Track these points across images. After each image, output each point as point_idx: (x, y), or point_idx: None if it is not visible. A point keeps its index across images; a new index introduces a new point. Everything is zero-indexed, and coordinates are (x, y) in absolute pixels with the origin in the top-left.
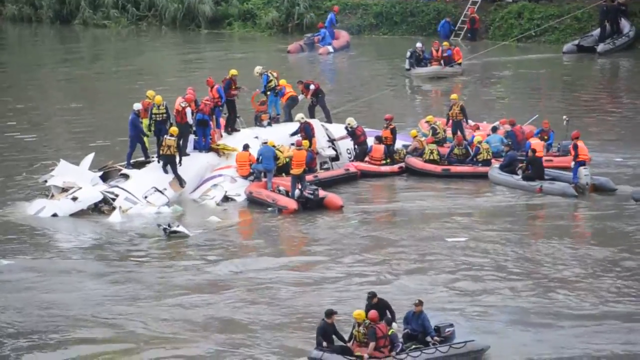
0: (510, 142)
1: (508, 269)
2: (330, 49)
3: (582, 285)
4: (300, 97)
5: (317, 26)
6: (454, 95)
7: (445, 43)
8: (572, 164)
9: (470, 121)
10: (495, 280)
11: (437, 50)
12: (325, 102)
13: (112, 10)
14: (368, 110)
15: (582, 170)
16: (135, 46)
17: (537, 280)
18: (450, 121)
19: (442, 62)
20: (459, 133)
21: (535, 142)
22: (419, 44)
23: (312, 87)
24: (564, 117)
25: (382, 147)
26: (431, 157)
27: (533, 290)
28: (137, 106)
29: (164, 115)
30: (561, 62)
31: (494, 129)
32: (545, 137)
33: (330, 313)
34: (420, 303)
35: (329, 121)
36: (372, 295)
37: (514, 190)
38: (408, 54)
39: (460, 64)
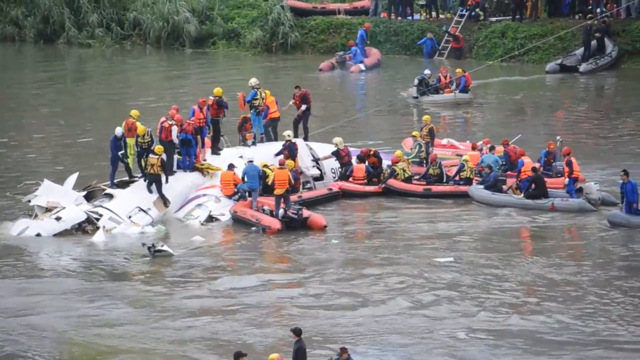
0: (504, 162)
1: (494, 289)
2: (362, 67)
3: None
4: (290, 102)
5: (348, 44)
6: (426, 117)
7: (458, 70)
8: (566, 180)
9: (452, 140)
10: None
11: (444, 77)
12: (308, 121)
13: (96, 29)
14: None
15: (593, 186)
16: (120, 65)
17: (529, 302)
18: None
19: (456, 88)
20: (433, 152)
21: (527, 161)
22: (427, 71)
23: (303, 107)
24: (558, 137)
25: (363, 166)
26: (405, 176)
27: (519, 313)
28: (119, 131)
29: (149, 142)
30: (544, 81)
31: (491, 149)
32: (552, 160)
33: (237, 355)
34: (345, 350)
35: (305, 140)
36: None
37: (496, 209)
38: (416, 81)
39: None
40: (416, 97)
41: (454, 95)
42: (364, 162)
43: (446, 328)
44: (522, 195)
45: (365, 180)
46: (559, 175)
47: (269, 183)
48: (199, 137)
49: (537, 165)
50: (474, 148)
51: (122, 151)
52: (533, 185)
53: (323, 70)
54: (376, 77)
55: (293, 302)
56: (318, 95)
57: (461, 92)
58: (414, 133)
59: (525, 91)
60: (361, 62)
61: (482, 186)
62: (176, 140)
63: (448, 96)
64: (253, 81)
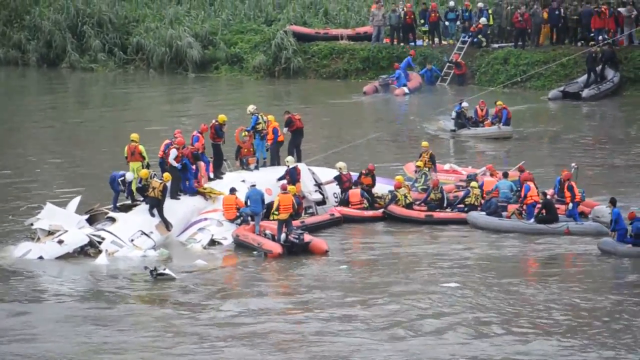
0: (519, 189)
1: (497, 316)
2: (405, 90)
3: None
4: (285, 130)
5: (393, 67)
6: (424, 143)
7: (499, 102)
8: (570, 205)
9: (454, 165)
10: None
11: (482, 110)
12: (301, 143)
13: (99, 53)
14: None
15: (605, 209)
16: (123, 90)
17: (534, 328)
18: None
19: (499, 121)
20: (435, 177)
21: (532, 186)
22: (465, 103)
23: (285, 130)
24: (573, 164)
25: (358, 191)
26: (406, 202)
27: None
28: (129, 177)
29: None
30: (547, 108)
31: (505, 175)
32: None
33: None
34: None
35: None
36: None
37: (499, 234)
38: (454, 114)
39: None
40: (454, 130)
41: (498, 128)
42: (359, 186)
43: (449, 354)
44: (532, 220)
45: (364, 205)
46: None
47: (274, 208)
48: (200, 162)
49: (550, 191)
50: (492, 175)
51: (122, 188)
52: (544, 211)
53: (367, 93)
54: (419, 102)
55: (295, 327)
56: (363, 120)
57: (504, 124)
58: (418, 163)
59: (528, 119)
60: (405, 85)
61: (483, 213)
62: (173, 163)
63: (491, 129)
64: (251, 108)
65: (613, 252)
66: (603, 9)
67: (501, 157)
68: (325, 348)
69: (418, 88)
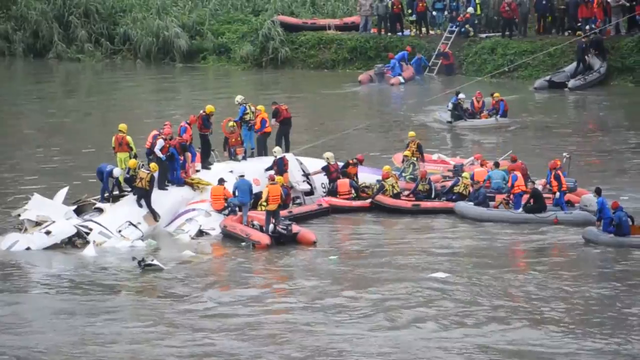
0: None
1: (490, 305)
2: (401, 79)
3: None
4: (273, 121)
5: (388, 56)
6: (411, 133)
7: (496, 94)
8: (557, 194)
9: (442, 155)
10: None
11: (478, 101)
12: (289, 133)
13: (86, 44)
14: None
15: (592, 198)
16: (110, 80)
17: (528, 317)
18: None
19: (496, 112)
20: (422, 168)
21: (520, 176)
22: (461, 95)
23: (273, 121)
24: (565, 154)
25: (347, 181)
26: (394, 192)
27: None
28: (117, 172)
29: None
30: (533, 98)
31: (496, 164)
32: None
33: None
34: None
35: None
36: None
37: (488, 224)
38: (450, 105)
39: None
40: (450, 122)
41: (495, 120)
42: (348, 177)
43: (439, 343)
44: (521, 210)
45: (352, 195)
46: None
47: (263, 199)
48: (187, 153)
49: (542, 181)
50: (482, 164)
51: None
52: (532, 201)
53: (362, 82)
54: (415, 91)
55: (286, 317)
56: (360, 108)
57: (501, 116)
58: (405, 152)
59: (517, 109)
60: (399, 74)
61: (471, 203)
62: (159, 154)
63: (489, 121)
64: (239, 98)
65: (595, 242)
66: None
67: (500, 149)
68: (316, 338)
69: (412, 78)
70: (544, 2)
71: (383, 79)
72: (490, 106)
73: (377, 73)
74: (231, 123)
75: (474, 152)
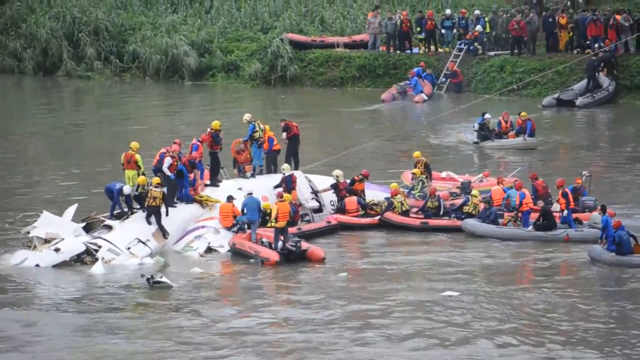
0: (532, 196)
1: (498, 323)
2: (424, 96)
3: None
4: (284, 135)
5: (408, 74)
6: (416, 153)
7: (523, 113)
8: (565, 212)
9: (451, 173)
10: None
11: (505, 122)
12: (298, 150)
13: (95, 62)
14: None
15: (599, 216)
16: (119, 97)
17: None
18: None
19: (523, 132)
20: (432, 185)
21: (528, 194)
22: (487, 115)
23: (283, 135)
24: (584, 172)
25: (354, 198)
26: (402, 209)
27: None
28: (127, 190)
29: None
30: (541, 116)
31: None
32: (579, 196)
33: None
34: None
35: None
36: None
37: (498, 242)
38: (476, 126)
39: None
40: (476, 143)
41: (523, 140)
42: (355, 194)
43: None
44: (531, 227)
45: (361, 212)
46: (587, 210)
47: (273, 217)
48: (196, 170)
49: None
50: (499, 182)
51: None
52: (542, 219)
53: (385, 101)
54: (439, 108)
55: (293, 334)
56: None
57: (529, 136)
58: (414, 171)
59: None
60: (422, 92)
61: (479, 220)
62: (167, 172)
63: (516, 141)
64: (247, 116)
65: (598, 260)
66: (599, 17)
67: (529, 168)
68: (331, 357)
69: (432, 94)
70: (550, 20)
71: (406, 97)
72: (517, 126)
73: (400, 91)
74: (240, 144)
75: (502, 172)
